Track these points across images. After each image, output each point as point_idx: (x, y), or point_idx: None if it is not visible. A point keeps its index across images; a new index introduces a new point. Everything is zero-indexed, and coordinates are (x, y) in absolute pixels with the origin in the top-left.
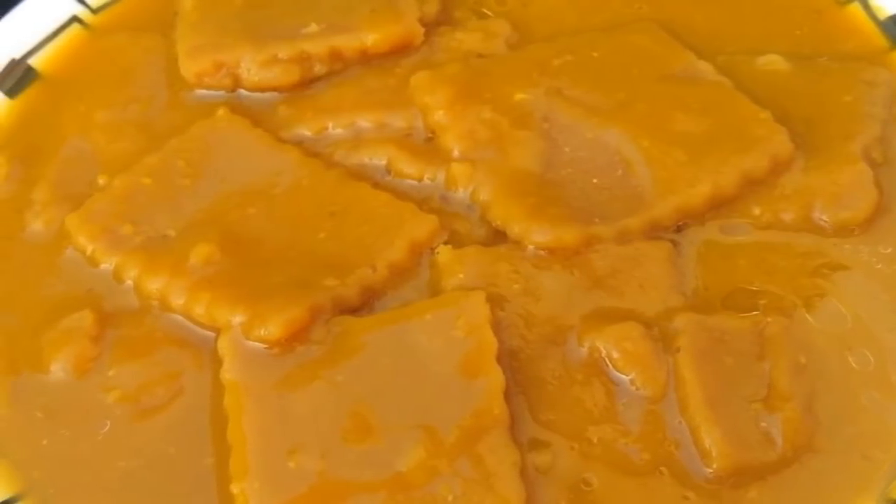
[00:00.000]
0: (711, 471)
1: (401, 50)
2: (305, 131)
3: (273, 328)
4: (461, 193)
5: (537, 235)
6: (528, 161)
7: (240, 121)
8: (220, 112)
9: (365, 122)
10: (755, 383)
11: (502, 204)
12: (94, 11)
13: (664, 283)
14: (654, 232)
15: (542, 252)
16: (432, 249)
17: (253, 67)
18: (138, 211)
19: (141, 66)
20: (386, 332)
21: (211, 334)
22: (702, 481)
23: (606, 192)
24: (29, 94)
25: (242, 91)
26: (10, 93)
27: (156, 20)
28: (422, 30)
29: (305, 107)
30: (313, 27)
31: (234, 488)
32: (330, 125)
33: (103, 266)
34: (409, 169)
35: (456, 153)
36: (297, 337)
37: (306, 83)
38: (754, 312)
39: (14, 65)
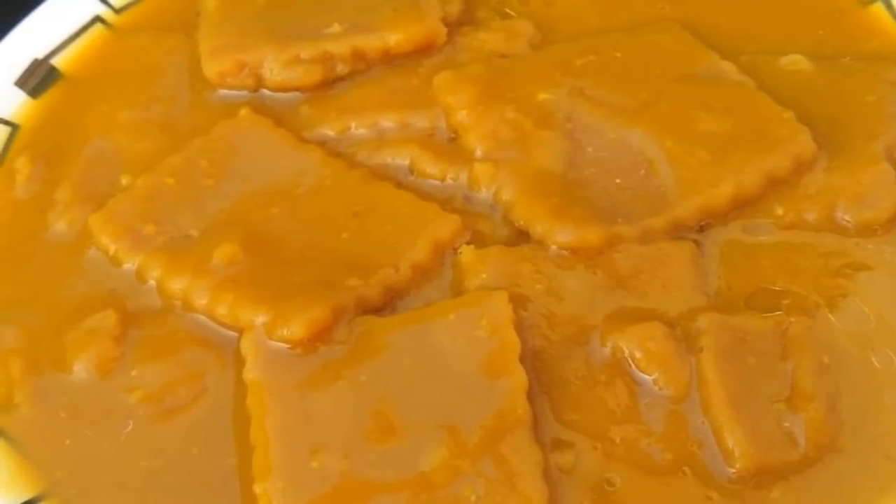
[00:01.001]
0: (734, 471)
1: (424, 50)
2: (328, 131)
3: (296, 328)
4: (484, 193)
5: (560, 235)
6: (550, 161)
7: (263, 121)
8: (243, 112)
9: (388, 122)
10: (778, 383)
11: (525, 204)
12: (117, 11)
13: (687, 283)
14: (677, 232)
15: (564, 252)
16: (455, 249)
17: (276, 67)
18: (161, 211)
19: (164, 66)
20: (409, 332)
21: (234, 334)
22: (725, 481)
23: (629, 192)
24: (52, 94)
25: (265, 91)
26: (33, 93)
27: (178, 20)
28: (445, 30)
29: (328, 107)
30: (336, 27)
31: (258, 488)
32: (353, 125)
33: (126, 266)
34: (432, 169)
35: (479, 153)
36: (319, 337)
37: (329, 83)
38: (777, 312)
39: (37, 65)
